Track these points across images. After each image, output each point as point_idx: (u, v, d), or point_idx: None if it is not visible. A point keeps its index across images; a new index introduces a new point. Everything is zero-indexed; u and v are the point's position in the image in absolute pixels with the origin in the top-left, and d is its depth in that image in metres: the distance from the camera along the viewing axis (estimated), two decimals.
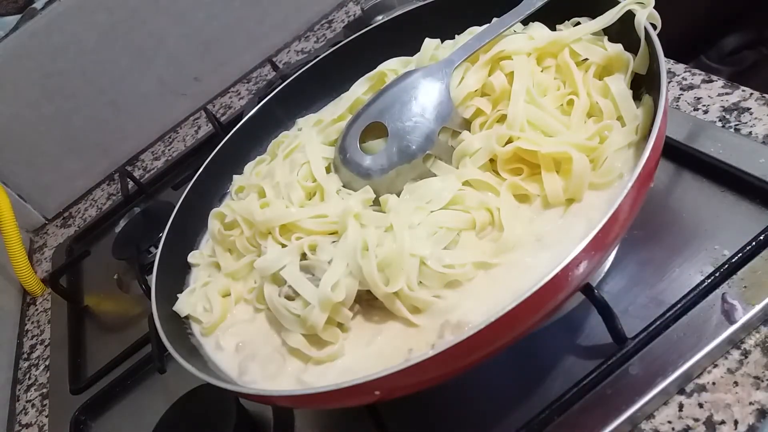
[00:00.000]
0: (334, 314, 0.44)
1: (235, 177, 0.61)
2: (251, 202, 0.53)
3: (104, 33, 1.02)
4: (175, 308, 0.51)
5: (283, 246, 0.49)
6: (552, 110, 0.46)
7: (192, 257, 0.57)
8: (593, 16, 0.48)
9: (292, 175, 0.53)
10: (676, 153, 0.53)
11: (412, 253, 0.42)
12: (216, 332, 0.50)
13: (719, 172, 0.50)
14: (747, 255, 0.44)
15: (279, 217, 0.50)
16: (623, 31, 0.46)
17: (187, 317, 0.51)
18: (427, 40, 0.56)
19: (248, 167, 0.62)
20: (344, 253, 0.44)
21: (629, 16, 0.45)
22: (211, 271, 0.55)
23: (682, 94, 0.59)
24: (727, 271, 0.44)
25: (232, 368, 0.47)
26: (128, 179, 1.00)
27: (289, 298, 0.47)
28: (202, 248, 0.58)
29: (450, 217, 0.45)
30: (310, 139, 0.56)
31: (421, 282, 0.43)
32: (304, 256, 0.48)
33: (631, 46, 0.45)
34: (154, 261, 0.54)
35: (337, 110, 0.57)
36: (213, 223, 0.56)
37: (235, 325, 0.50)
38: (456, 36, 0.55)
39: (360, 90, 0.58)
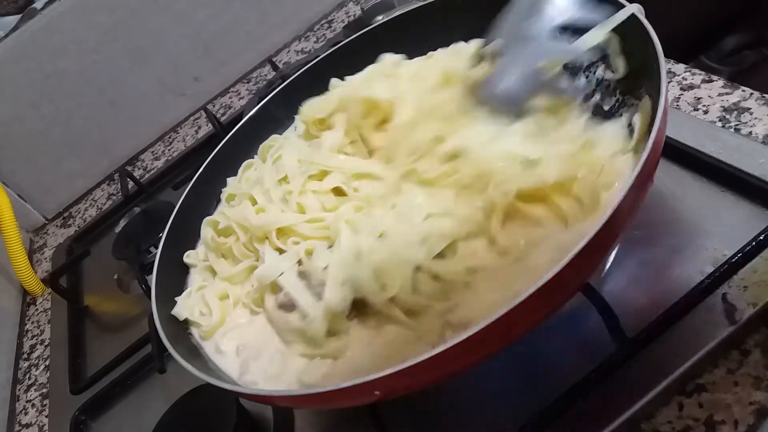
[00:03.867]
0: (333, 324, 0.44)
1: (229, 180, 0.61)
2: (245, 208, 0.53)
3: (104, 33, 1.02)
4: (173, 312, 0.51)
5: (280, 250, 0.50)
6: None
7: (187, 257, 0.57)
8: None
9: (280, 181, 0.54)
10: (676, 153, 0.53)
11: (406, 260, 0.42)
12: (215, 336, 0.50)
13: (719, 172, 0.50)
14: (747, 255, 0.44)
15: (274, 222, 0.50)
16: (623, 32, 0.46)
17: (186, 321, 0.51)
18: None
19: (239, 171, 0.62)
20: (339, 260, 0.45)
21: (626, 17, 0.44)
22: (206, 275, 0.55)
23: (682, 94, 0.59)
24: (727, 271, 0.44)
25: (233, 369, 0.47)
26: (128, 179, 1.00)
27: (284, 306, 0.47)
28: (198, 250, 0.58)
29: (444, 223, 0.44)
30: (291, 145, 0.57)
31: (416, 289, 0.43)
32: (301, 262, 0.48)
33: (631, 46, 0.45)
34: (154, 261, 0.54)
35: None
36: (206, 231, 0.56)
37: (234, 328, 0.50)
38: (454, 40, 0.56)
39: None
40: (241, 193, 0.57)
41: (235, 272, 0.52)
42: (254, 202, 0.55)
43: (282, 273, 0.48)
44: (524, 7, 0.48)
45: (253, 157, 0.63)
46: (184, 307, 0.51)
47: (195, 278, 0.55)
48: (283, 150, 0.57)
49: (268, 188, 0.54)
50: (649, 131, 0.37)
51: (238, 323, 0.50)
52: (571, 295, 0.40)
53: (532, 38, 0.47)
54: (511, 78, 0.48)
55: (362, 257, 0.44)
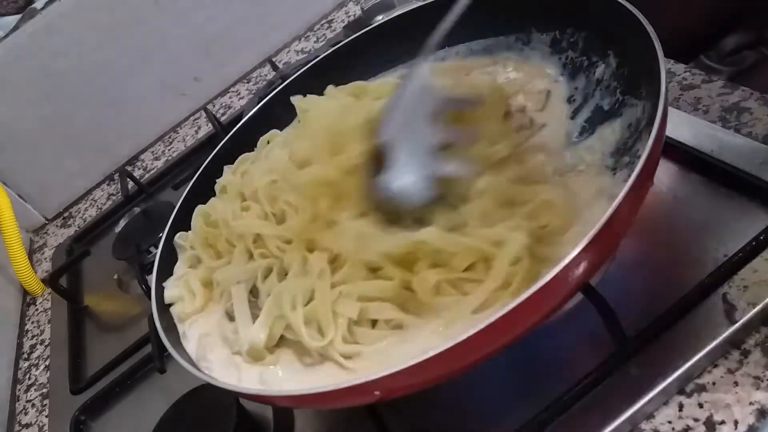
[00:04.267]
0: (254, 353, 0.45)
1: (225, 168, 0.61)
2: (233, 205, 0.53)
3: (104, 33, 1.02)
4: (166, 299, 0.51)
5: (251, 254, 0.50)
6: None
7: (178, 238, 0.57)
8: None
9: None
10: (676, 153, 0.53)
11: (339, 313, 0.43)
12: (189, 319, 0.51)
13: (719, 172, 0.50)
14: (747, 255, 0.44)
15: (249, 227, 0.51)
16: (620, 34, 0.46)
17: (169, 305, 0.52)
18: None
19: (236, 163, 0.62)
20: (275, 300, 0.45)
21: (627, 16, 0.44)
22: (193, 262, 0.55)
23: (682, 94, 0.59)
24: (727, 271, 0.44)
25: (192, 354, 0.48)
26: (128, 179, 1.00)
27: (229, 313, 0.48)
28: (190, 233, 0.58)
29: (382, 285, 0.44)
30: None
31: (352, 336, 0.43)
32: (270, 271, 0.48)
33: (632, 46, 0.45)
34: (154, 261, 0.54)
35: None
36: (197, 219, 0.56)
37: (204, 316, 0.51)
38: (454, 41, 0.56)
39: None
40: (233, 188, 0.57)
41: (217, 265, 0.52)
42: (243, 199, 0.55)
43: (239, 282, 0.48)
44: (408, 98, 0.47)
45: None
46: (171, 287, 0.52)
47: (180, 265, 0.55)
48: (274, 151, 0.57)
49: (257, 188, 0.54)
50: (650, 131, 0.38)
51: (209, 312, 0.51)
52: (571, 295, 0.40)
53: (418, 124, 0.47)
54: (405, 173, 0.46)
55: (298, 302, 0.44)
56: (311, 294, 0.44)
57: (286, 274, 0.47)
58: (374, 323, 0.43)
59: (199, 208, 0.57)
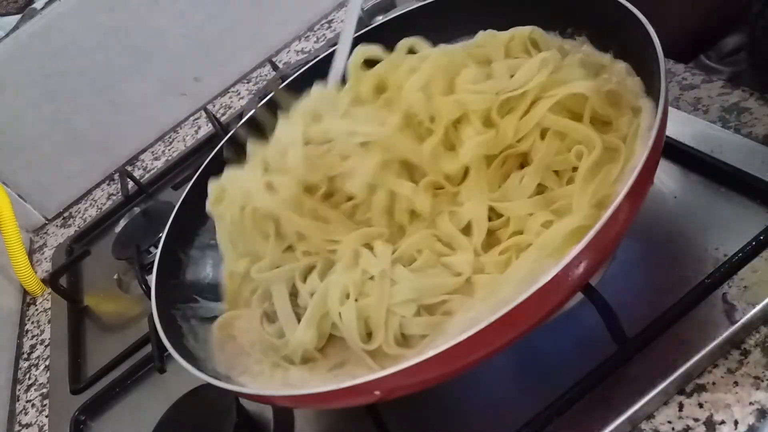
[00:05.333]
0: (305, 354, 0.44)
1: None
2: (260, 179, 0.50)
3: (104, 33, 1.02)
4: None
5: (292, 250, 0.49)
6: None
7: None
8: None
9: None
10: (676, 153, 0.53)
11: (393, 311, 0.42)
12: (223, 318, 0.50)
13: (719, 172, 0.50)
14: (747, 255, 0.44)
15: (295, 225, 0.48)
16: (620, 34, 0.46)
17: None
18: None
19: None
20: (322, 296, 0.44)
21: (627, 16, 0.44)
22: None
23: (682, 94, 0.58)
24: (727, 271, 0.44)
25: (220, 361, 0.48)
26: (128, 179, 1.00)
27: (268, 315, 0.47)
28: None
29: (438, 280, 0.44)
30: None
31: (403, 334, 0.42)
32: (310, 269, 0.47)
33: (632, 46, 0.45)
34: (154, 261, 0.54)
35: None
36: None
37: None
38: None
39: None
40: (256, 156, 0.53)
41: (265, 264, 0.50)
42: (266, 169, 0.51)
43: (277, 282, 0.47)
44: None
45: None
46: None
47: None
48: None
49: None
50: (650, 131, 0.37)
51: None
52: (571, 295, 0.40)
53: None
54: None
55: (350, 298, 0.43)
56: (361, 288, 0.43)
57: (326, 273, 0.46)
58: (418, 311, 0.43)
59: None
